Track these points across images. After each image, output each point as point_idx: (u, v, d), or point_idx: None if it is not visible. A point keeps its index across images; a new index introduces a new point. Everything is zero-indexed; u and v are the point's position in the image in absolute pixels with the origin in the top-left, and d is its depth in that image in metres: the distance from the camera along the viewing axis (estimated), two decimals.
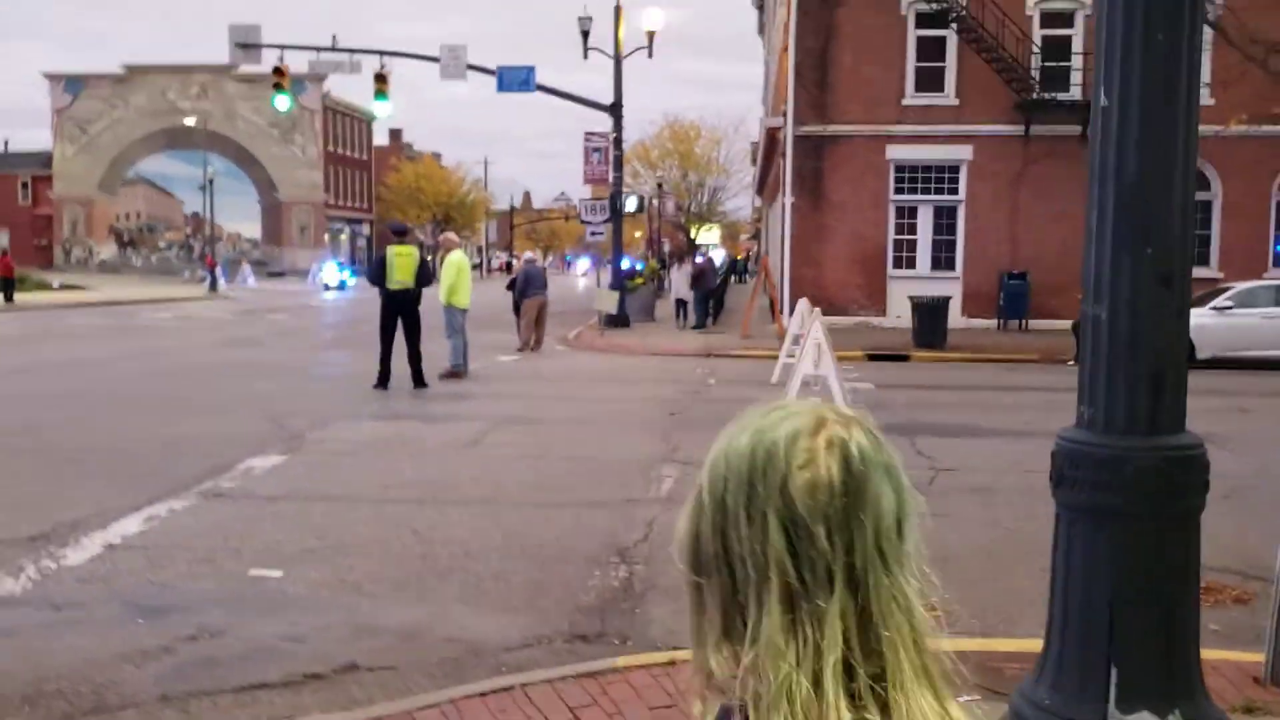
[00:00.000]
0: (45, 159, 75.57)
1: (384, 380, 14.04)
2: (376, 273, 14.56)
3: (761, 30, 61.99)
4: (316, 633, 5.43)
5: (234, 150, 71.91)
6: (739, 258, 64.67)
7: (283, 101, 28.31)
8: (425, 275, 14.46)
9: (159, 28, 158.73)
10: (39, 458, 9.48)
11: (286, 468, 9.21)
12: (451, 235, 17.35)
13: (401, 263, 14.26)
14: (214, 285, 48.06)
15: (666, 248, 52.60)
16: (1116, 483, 3.13)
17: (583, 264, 59.78)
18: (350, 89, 68.01)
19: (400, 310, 14.24)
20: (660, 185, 51.47)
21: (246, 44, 27.29)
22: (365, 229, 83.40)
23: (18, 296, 35.06)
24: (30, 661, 5.02)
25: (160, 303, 38.11)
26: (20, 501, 7.90)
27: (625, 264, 29.08)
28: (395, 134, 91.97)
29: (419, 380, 14.29)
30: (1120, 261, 3.11)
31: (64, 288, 42.23)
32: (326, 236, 74.75)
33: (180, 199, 74.20)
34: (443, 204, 79.21)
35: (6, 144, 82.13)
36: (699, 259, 28.58)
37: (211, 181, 51.43)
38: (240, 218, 71.80)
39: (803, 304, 15.80)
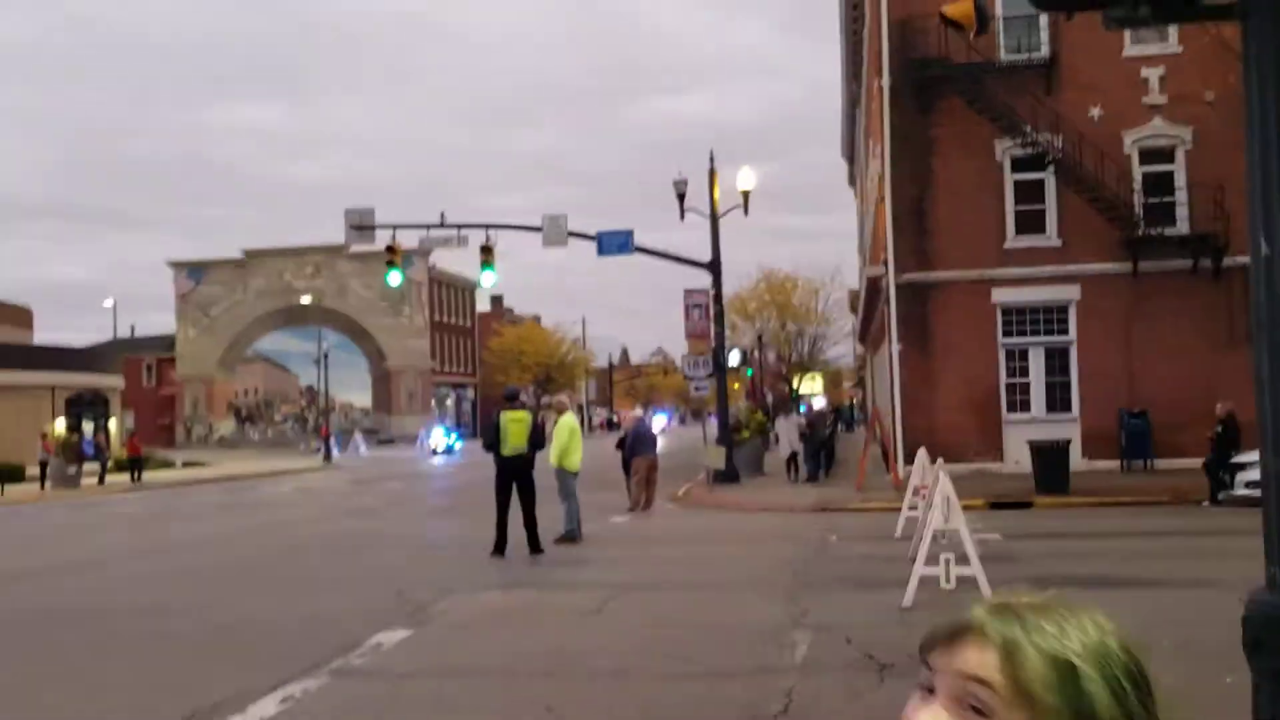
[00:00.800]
0: (169, 342, 79.43)
1: (501, 548, 14.03)
2: (490, 439, 14.71)
3: (852, 181, 62.99)
4: None
5: (345, 324, 74.68)
6: (842, 405, 64.20)
7: (395, 278, 29.42)
8: (538, 439, 14.57)
9: (270, 213, 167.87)
10: (174, 639, 9.60)
11: (414, 642, 9.15)
12: (564, 398, 17.57)
13: (515, 428, 14.40)
14: (328, 455, 49.24)
15: (770, 399, 52.52)
16: None
17: (659, 420, 59.78)
18: (453, 259, 70.52)
19: (515, 476, 14.32)
20: (760, 337, 51.73)
21: (361, 225, 28.59)
22: (470, 393, 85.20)
23: (144, 475, 36.35)
24: None
25: (278, 475, 39.08)
26: (160, 684, 7.97)
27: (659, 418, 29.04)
28: (496, 299, 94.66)
29: (535, 546, 14.25)
30: None
31: (186, 465, 43.68)
32: (434, 402, 76.46)
33: (295, 373, 77.06)
34: (544, 364, 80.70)
35: (133, 329, 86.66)
36: (803, 409, 28.43)
37: (326, 355, 53.25)
38: (352, 388, 74.08)
39: (921, 454, 15.46)
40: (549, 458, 15.68)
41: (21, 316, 51.16)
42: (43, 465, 33.93)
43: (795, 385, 57.61)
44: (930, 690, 1.07)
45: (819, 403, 53.16)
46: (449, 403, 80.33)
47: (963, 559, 10.00)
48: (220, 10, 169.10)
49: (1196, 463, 19.74)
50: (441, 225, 28.63)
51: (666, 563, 13.63)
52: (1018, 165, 25.09)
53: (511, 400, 15.23)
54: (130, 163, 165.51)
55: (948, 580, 10.03)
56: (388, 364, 76.15)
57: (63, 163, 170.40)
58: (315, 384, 69.09)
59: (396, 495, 28.14)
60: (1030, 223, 25.18)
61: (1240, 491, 17.78)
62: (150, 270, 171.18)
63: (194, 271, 77.90)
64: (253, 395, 78.85)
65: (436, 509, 23.81)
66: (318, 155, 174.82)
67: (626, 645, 8.75)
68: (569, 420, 16.00)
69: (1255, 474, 17.94)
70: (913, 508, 14.87)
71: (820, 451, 26.78)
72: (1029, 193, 25.20)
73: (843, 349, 66.94)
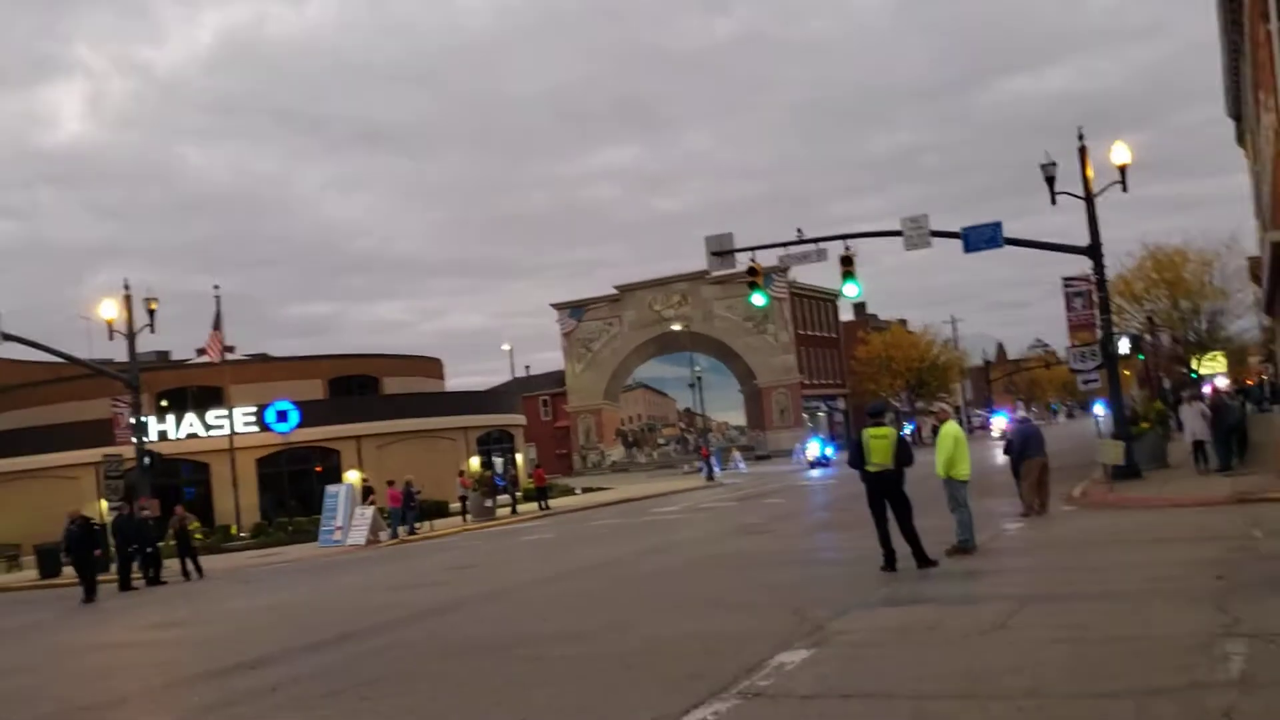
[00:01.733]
0: (558, 377, 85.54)
1: (890, 562, 13.91)
2: (854, 455, 14.64)
3: (1240, 139, 56.92)
4: None
5: (714, 347, 77.02)
6: (1250, 384, 57.96)
7: (759, 299, 30.03)
8: (904, 455, 14.22)
9: (636, 248, 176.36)
10: (592, 662, 10.29)
11: (815, 663, 9.27)
12: (946, 406, 17.26)
13: (877, 445, 14.20)
14: (710, 474, 50.85)
15: (1166, 384, 48.43)
16: None
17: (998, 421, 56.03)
18: (813, 271, 70.85)
19: (883, 491, 14.15)
20: (1150, 319, 47.86)
21: (720, 251, 29.44)
22: (840, 403, 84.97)
23: (550, 502, 39.27)
24: None
25: (666, 496, 40.88)
26: (584, 707, 8.58)
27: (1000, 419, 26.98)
28: (859, 307, 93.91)
29: (923, 560, 13.98)
30: None
31: (585, 490, 46.72)
32: (805, 415, 76.96)
33: (672, 397, 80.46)
34: (915, 369, 79.05)
35: (528, 369, 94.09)
36: (1189, 394, 25.94)
37: (700, 378, 55.17)
38: (725, 407, 76.24)
39: None
40: (936, 468, 15.37)
41: (433, 367, 56.93)
42: (462, 500, 37.51)
43: (1195, 367, 52.65)
44: None
45: (1221, 383, 48.27)
46: (820, 415, 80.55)
47: None
48: (563, 60, 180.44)
49: None
50: (799, 241, 28.88)
51: (1070, 571, 12.94)
52: None
53: (875, 416, 15.02)
54: (508, 217, 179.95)
55: None
56: (757, 382, 77.65)
57: (450, 222, 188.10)
58: (691, 406, 71.75)
59: (780, 510, 28.57)
60: None
61: None
62: (535, 313, 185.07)
63: (575, 311, 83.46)
64: (636, 421, 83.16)
65: (821, 523, 23.95)
66: (675, 187, 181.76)
67: (1038, 663, 8.41)
68: (952, 428, 15.59)
69: None
70: None
71: (1230, 436, 24.36)
72: None
73: (1245, 322, 60.48)
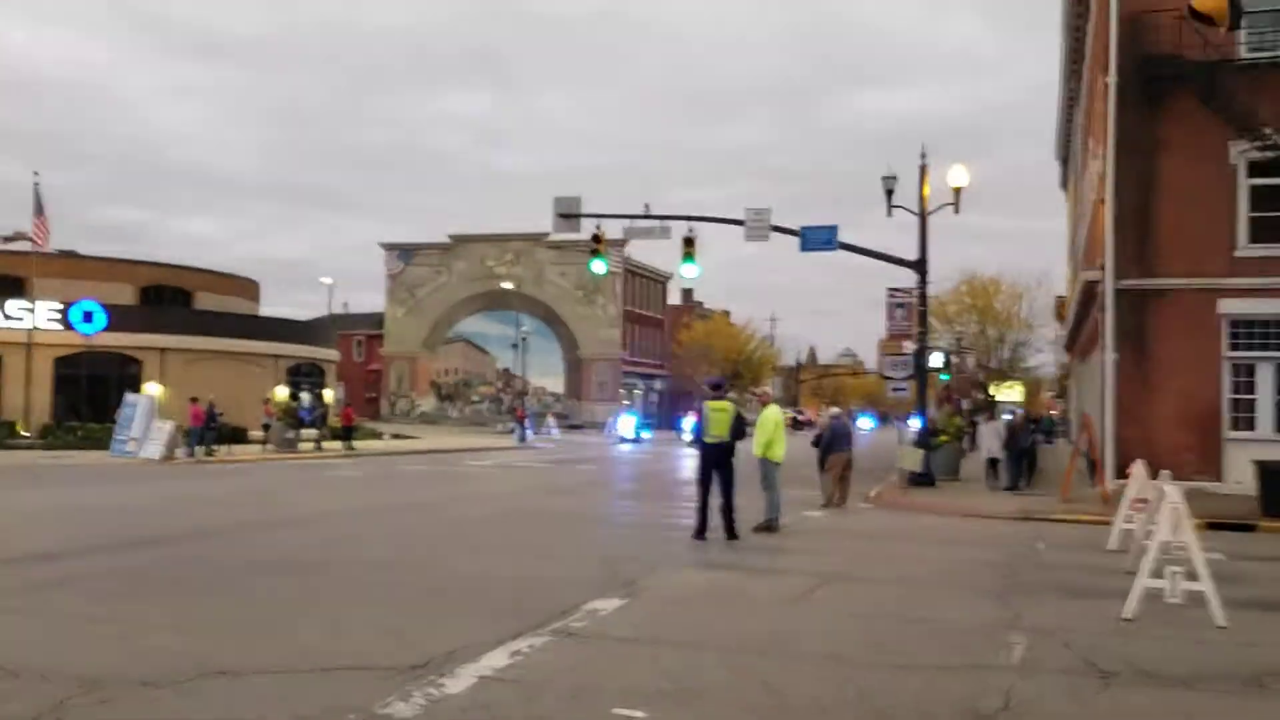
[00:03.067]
0: (377, 320, 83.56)
1: (702, 531, 14.29)
2: (693, 426, 15.00)
3: (1064, 184, 60.55)
4: None
5: (542, 311, 76.81)
6: (1040, 416, 61.81)
7: (599, 266, 30.14)
8: (739, 429, 14.77)
9: (474, 201, 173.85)
10: (405, 589, 10.22)
11: (628, 611, 9.46)
12: (769, 390, 17.71)
13: (717, 417, 14.63)
14: (523, 436, 50.82)
15: (964, 405, 51.13)
16: None
17: (864, 422, 58.01)
18: (646, 250, 71.58)
19: (715, 463, 14.56)
20: (959, 340, 50.43)
21: (568, 214, 29.37)
22: (658, 384, 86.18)
23: (355, 444, 38.43)
24: None
25: (477, 451, 40.64)
26: (397, 629, 8.51)
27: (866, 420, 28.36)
28: (687, 293, 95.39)
29: (731, 532, 14.44)
30: None
31: (394, 437, 45.94)
32: (622, 391, 77.75)
33: (493, 355, 79.79)
34: (732, 360, 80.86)
35: (346, 305, 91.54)
36: (1006, 416, 27.62)
37: (525, 340, 54.94)
38: (545, 373, 76.15)
39: (1140, 466, 14.87)
40: (753, 448, 15.82)
41: (249, 289, 54.82)
42: (265, 428, 36.31)
43: (994, 392, 55.83)
44: None
45: (1018, 410, 51.41)
46: (637, 392, 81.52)
47: (1190, 574, 9.63)
48: (429, 9, 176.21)
49: None
50: (645, 216, 29.08)
51: (868, 558, 13.59)
52: (1255, 170, 23.64)
53: (716, 389, 15.47)
54: (345, 148, 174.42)
55: (1173, 594, 9.67)
56: (580, 352, 77.90)
57: (282, 145, 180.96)
58: (511, 367, 71.43)
59: (593, 477, 28.85)
60: (1266, 231, 23.70)
61: None
62: (361, 251, 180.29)
63: (404, 254, 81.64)
64: (453, 375, 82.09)
65: (633, 492, 24.31)
66: (522, 145, 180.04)
67: (837, 633, 8.82)
68: (774, 412, 16.10)
69: None
70: (1128, 520, 14.33)
71: (1022, 459, 25.99)
72: (1266, 199, 23.72)
73: (1044, 357, 64.53)
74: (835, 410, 23.95)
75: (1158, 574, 9.75)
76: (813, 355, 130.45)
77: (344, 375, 68.46)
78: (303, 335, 51.32)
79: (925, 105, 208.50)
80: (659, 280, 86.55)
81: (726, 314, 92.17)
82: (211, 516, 16.58)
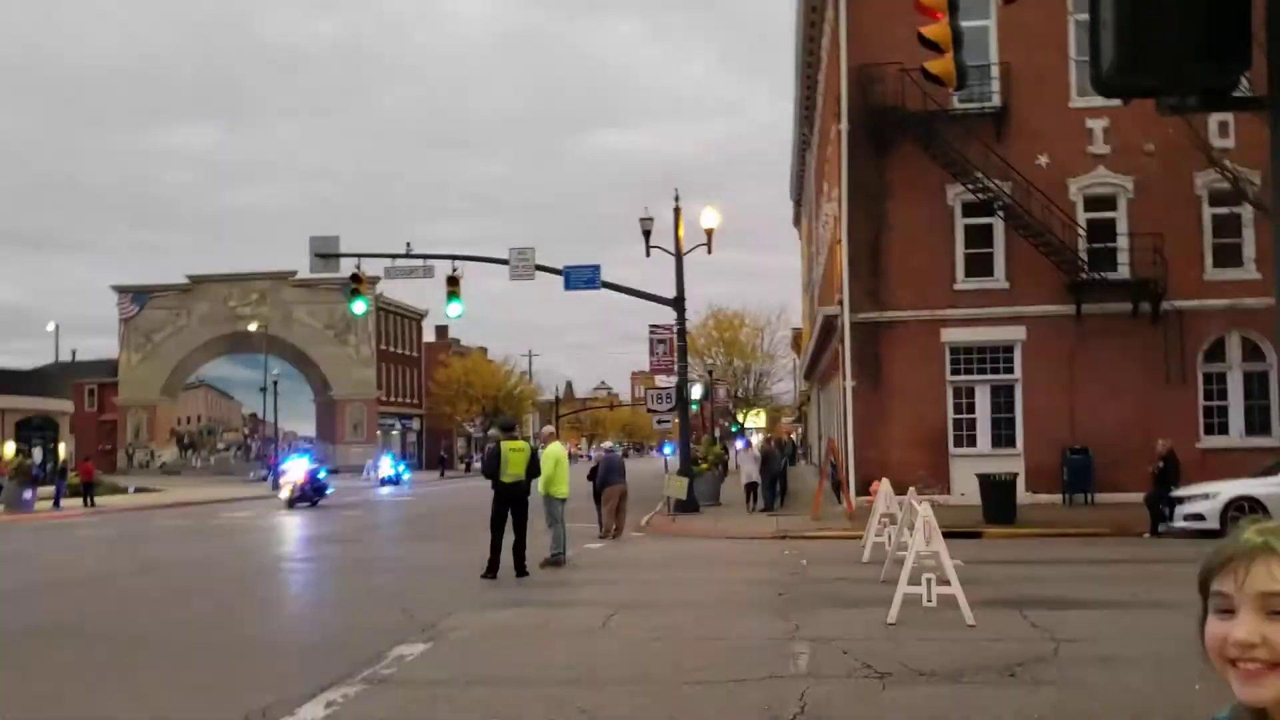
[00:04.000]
0: (110, 367, 78.41)
1: (493, 570, 14.56)
2: (490, 467, 15.24)
3: (797, 221, 64.44)
4: None
5: (290, 352, 74.29)
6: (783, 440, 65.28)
7: (360, 306, 29.78)
8: (535, 468, 15.19)
9: (208, 238, 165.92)
10: (202, 651, 10.01)
11: (435, 654, 9.67)
12: (550, 428, 18.18)
13: (515, 457, 14.99)
14: (275, 483, 48.99)
15: (717, 433, 53.40)
16: None
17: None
18: (399, 288, 70.61)
19: (512, 502, 14.89)
20: (710, 372, 52.70)
21: (326, 254, 28.93)
22: (415, 423, 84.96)
23: (96, 500, 36.08)
24: None
25: (230, 502, 38.98)
26: (203, 687, 8.42)
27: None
28: (442, 330, 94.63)
29: (522, 570, 14.79)
30: None
31: (139, 490, 43.35)
32: (379, 432, 76.22)
33: (238, 400, 76.40)
34: (491, 396, 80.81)
35: (74, 354, 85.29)
36: (743, 442, 29.23)
37: (276, 383, 53.11)
38: (296, 417, 73.50)
39: (885, 484, 16.32)
40: (538, 486, 16.22)
41: None
42: None
43: (741, 419, 58.56)
44: (1228, 612, 1.38)
45: (756, 439, 54.24)
46: (394, 433, 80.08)
47: (942, 580, 10.80)
48: (154, 38, 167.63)
49: (1136, 497, 20.87)
50: (406, 255, 29.07)
51: (654, 585, 14.26)
52: (968, 210, 26.28)
53: (508, 430, 15.85)
54: (65, 187, 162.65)
55: (930, 599, 10.80)
56: (333, 393, 75.84)
57: None
58: (259, 412, 68.66)
59: (362, 522, 28.39)
60: (979, 266, 26.35)
61: (1180, 524, 18.89)
62: (86, 294, 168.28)
63: (138, 297, 77.08)
64: (195, 422, 78.01)
65: (409, 535, 24.15)
66: (257, 181, 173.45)
67: (639, 656, 9.37)
68: (556, 449, 16.60)
69: (1194, 507, 19.14)
70: (878, 535, 15.69)
71: (775, 482, 27.59)
72: (978, 236, 26.38)
73: (784, 385, 68.30)
74: (609, 444, 24.73)
75: (915, 581, 10.86)
76: (570, 389, 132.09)
77: (76, 427, 63.88)
78: (29, 386, 47.71)
79: (664, 143, 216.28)
80: (413, 318, 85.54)
81: (484, 350, 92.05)
82: None
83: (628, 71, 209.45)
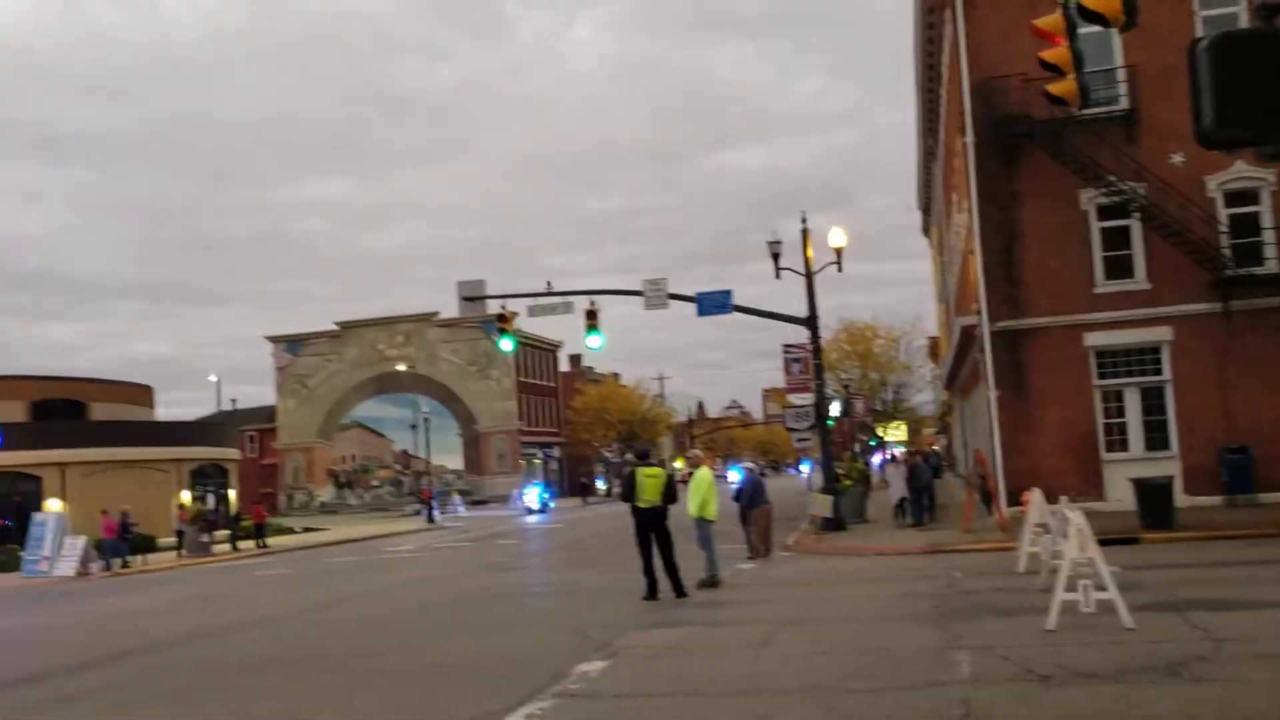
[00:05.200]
0: (268, 413, 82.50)
1: (653, 592, 15.26)
2: (627, 491, 15.99)
3: (926, 230, 63.92)
4: None
5: (436, 389, 77.00)
6: (927, 451, 64.54)
7: (507, 344, 31.08)
8: (671, 494, 15.78)
9: (340, 284, 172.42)
10: (400, 673, 10.95)
11: (615, 671, 10.40)
12: (699, 452, 18.86)
13: (650, 483, 15.69)
14: (431, 517, 50.95)
15: (857, 448, 53.23)
16: None
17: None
18: (533, 323, 72.34)
19: (650, 526, 15.58)
20: (847, 387, 52.59)
21: (472, 296, 30.32)
22: (555, 451, 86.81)
23: (267, 541, 38.28)
24: None
25: (394, 536, 40.77)
26: (411, 708, 9.30)
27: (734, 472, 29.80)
28: (575, 359, 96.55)
29: (679, 590, 15.45)
30: None
31: (306, 530, 45.68)
32: (523, 462, 78.20)
33: (390, 438, 79.51)
34: (627, 421, 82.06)
35: (234, 402, 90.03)
36: (889, 455, 29.29)
37: (427, 420, 55.23)
38: (443, 450, 76.09)
39: (1037, 494, 16.45)
40: (688, 509, 16.87)
41: (144, 395, 53.93)
42: (179, 534, 35.95)
43: (881, 433, 58.16)
44: None
45: (898, 450, 53.82)
46: (536, 461, 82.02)
47: (1099, 586, 11.05)
48: (272, 90, 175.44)
49: None
50: (547, 294, 30.26)
51: (810, 602, 14.75)
52: (1103, 213, 26.03)
53: (644, 458, 16.62)
54: (205, 241, 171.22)
55: (1087, 604, 11.06)
56: (478, 426, 78.18)
57: (139, 243, 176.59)
58: (409, 448, 71.37)
59: (519, 550, 29.52)
60: (1119, 268, 26.05)
61: None
62: (231, 343, 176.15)
63: (291, 345, 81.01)
64: (350, 461, 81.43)
65: (566, 561, 25.04)
66: (384, 225, 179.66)
67: (808, 668, 9.92)
68: (705, 473, 17.24)
69: None
70: (1033, 545, 15.84)
71: (923, 495, 27.65)
72: (1116, 239, 26.10)
73: (924, 396, 67.49)
74: (750, 465, 25.20)
75: (1071, 588, 11.13)
76: (702, 409, 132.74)
77: (239, 472, 67.44)
78: (200, 436, 50.76)
79: (783, 159, 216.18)
80: (549, 349, 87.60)
81: (616, 376, 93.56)
82: (165, 625, 16.84)
83: (742, 92, 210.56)
